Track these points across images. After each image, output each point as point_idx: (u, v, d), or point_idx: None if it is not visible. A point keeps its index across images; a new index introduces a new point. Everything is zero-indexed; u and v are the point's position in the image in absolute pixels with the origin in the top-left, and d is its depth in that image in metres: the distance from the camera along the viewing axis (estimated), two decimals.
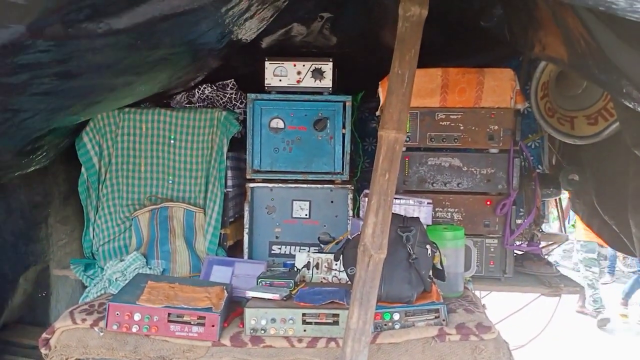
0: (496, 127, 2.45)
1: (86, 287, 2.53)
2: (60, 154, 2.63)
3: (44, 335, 1.98)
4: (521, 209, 2.88)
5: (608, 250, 8.63)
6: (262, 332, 1.91)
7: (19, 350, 2.94)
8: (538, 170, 3.08)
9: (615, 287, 8.78)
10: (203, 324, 1.89)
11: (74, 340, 1.95)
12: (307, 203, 2.62)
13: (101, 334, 1.93)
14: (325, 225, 2.61)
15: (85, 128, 2.53)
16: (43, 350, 1.98)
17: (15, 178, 2.51)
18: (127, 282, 2.17)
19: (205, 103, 2.79)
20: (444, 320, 1.91)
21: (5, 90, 1.58)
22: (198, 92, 2.77)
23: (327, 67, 2.55)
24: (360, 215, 2.44)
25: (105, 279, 2.38)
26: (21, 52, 1.41)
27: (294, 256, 2.42)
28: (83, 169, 2.56)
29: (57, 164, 2.76)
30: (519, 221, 2.60)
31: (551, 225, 5.04)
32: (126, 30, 1.51)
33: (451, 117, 2.46)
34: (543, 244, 3.03)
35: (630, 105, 1.56)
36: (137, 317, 1.89)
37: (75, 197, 2.85)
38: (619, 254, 8.44)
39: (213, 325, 1.88)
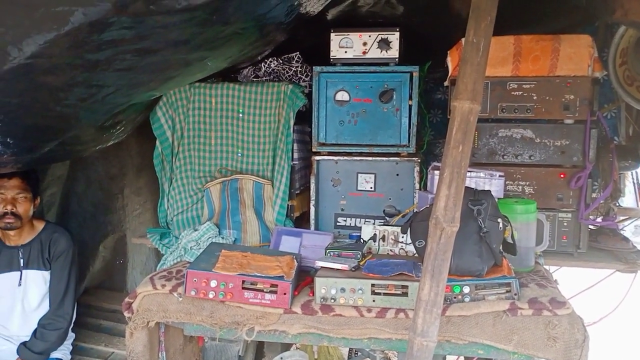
0: (572, 96, 2.34)
1: (160, 255, 2.66)
2: (134, 129, 2.74)
3: (127, 299, 2.10)
4: (595, 183, 2.77)
5: None
6: (332, 301, 1.95)
7: (100, 314, 3.16)
8: (615, 142, 2.94)
9: None
10: (275, 292, 1.95)
11: (155, 305, 2.06)
12: (372, 176, 2.62)
13: (180, 299, 2.03)
14: (390, 198, 2.61)
15: (158, 103, 2.62)
16: (126, 314, 2.10)
17: (94, 152, 2.64)
18: (201, 250, 2.26)
19: (272, 77, 2.82)
20: (515, 294, 1.89)
21: (91, 66, 1.66)
22: (264, 66, 2.80)
23: (394, 37, 2.51)
24: (428, 188, 2.42)
25: (180, 247, 2.49)
26: (106, 28, 1.47)
27: (359, 228, 2.44)
28: (157, 142, 2.66)
29: (131, 138, 2.88)
30: (594, 195, 2.51)
31: (624, 200, 4.82)
32: (203, 5, 1.54)
33: (524, 86, 2.38)
34: (619, 218, 2.91)
35: None
36: (213, 284, 1.97)
37: (148, 169, 2.98)
38: None
39: (285, 293, 1.94)
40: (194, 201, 2.66)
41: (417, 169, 2.54)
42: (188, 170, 2.66)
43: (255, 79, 2.80)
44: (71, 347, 2.73)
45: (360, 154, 2.60)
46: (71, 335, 2.72)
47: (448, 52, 2.46)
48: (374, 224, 2.50)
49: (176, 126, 2.65)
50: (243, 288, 1.96)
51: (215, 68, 2.39)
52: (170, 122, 2.64)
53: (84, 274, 3.17)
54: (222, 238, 2.52)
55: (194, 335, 2.28)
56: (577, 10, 2.61)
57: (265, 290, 1.96)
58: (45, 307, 2.59)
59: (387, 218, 2.59)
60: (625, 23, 2.34)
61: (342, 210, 2.65)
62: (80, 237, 3.11)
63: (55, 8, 1.36)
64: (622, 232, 2.86)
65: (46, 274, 2.58)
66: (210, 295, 1.97)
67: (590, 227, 2.61)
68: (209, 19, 1.66)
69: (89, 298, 3.24)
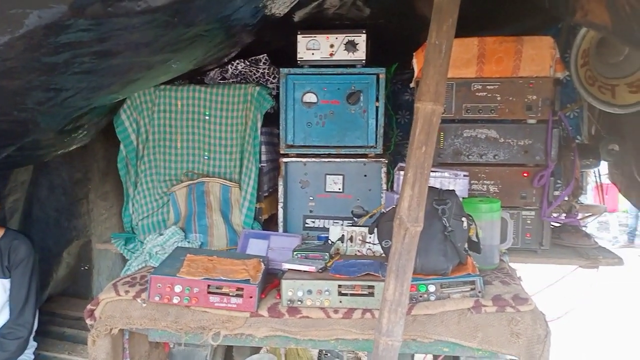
0: (534, 97, 2.39)
1: (126, 260, 2.61)
2: (99, 133, 2.69)
3: (89, 306, 2.06)
4: (559, 181, 2.83)
5: None
6: (299, 303, 1.95)
7: (64, 322, 3.09)
8: (577, 141, 3.01)
9: None
10: (241, 295, 1.93)
11: (118, 311, 2.03)
12: (341, 177, 2.62)
13: (144, 305, 2.00)
14: (358, 199, 2.62)
15: (122, 106, 2.58)
16: (88, 321, 2.06)
17: (57, 156, 2.58)
18: (167, 255, 2.23)
19: (239, 79, 2.80)
20: (479, 292, 1.91)
21: (49, 69, 1.62)
22: (231, 68, 2.78)
23: (361, 39, 2.52)
24: (395, 188, 2.44)
25: (145, 252, 2.46)
26: (63, 31, 1.44)
27: (327, 230, 2.45)
28: (122, 146, 2.62)
29: (96, 142, 2.83)
30: (556, 193, 2.56)
31: (587, 197, 4.94)
32: (163, 7, 1.52)
33: (488, 87, 2.42)
34: (581, 215, 2.97)
35: None
36: (177, 288, 1.95)
37: (114, 173, 2.93)
38: None
39: (251, 297, 1.93)
40: (159, 205, 2.63)
41: (384, 169, 2.56)
42: (153, 174, 2.62)
43: (222, 81, 2.78)
44: (33, 357, 2.66)
45: (329, 155, 2.60)
46: (33, 344, 2.65)
47: (414, 53, 2.48)
48: (342, 225, 2.50)
49: (141, 129, 2.61)
50: (208, 292, 1.94)
51: (180, 70, 2.36)
52: (134, 126, 2.60)
53: (47, 281, 3.09)
54: (188, 242, 2.49)
55: (160, 341, 2.24)
56: (540, 12, 2.66)
57: (231, 294, 1.94)
58: (5, 316, 2.52)
59: (355, 219, 2.60)
60: (585, 24, 2.39)
61: (311, 211, 2.65)
62: (44, 243, 3.03)
63: (9, 10, 1.33)
64: (584, 228, 2.92)
65: (6, 282, 2.51)
66: (175, 301, 1.94)
67: (553, 224, 2.67)
68: (170, 21, 1.64)
69: (53, 305, 3.16)
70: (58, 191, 3.14)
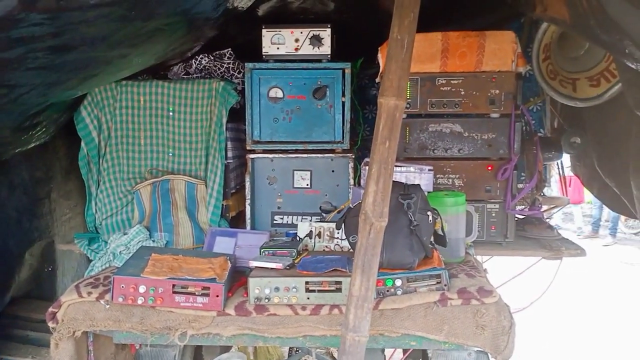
0: (497, 91, 2.42)
1: (91, 260, 2.55)
2: (60, 129, 2.61)
3: (51, 309, 2.01)
4: (522, 174, 2.88)
5: (610, 213, 8.73)
6: (266, 300, 1.93)
7: (27, 324, 2.99)
8: (540, 134, 3.06)
9: (617, 249, 8.87)
10: (208, 294, 1.91)
11: (81, 313, 1.98)
12: (308, 173, 2.61)
13: (107, 306, 1.96)
14: (326, 195, 2.61)
15: (83, 102, 2.51)
16: (50, 324, 2.01)
17: (16, 154, 2.50)
18: (131, 255, 2.18)
19: (203, 74, 2.76)
20: (445, 285, 1.93)
21: (1, 65, 1.56)
22: (195, 63, 2.74)
23: (325, 34, 2.51)
24: (362, 183, 2.44)
25: (109, 252, 2.40)
26: (14, 26, 1.38)
27: (296, 226, 2.44)
28: (83, 144, 2.56)
29: (58, 139, 2.75)
30: (520, 185, 2.60)
31: (552, 189, 5.05)
32: (119, 1, 1.48)
33: (452, 82, 2.44)
34: (544, 207, 3.03)
35: (633, 66, 1.54)
36: (142, 289, 1.91)
37: (77, 172, 2.85)
38: (621, 216, 8.50)
39: (217, 296, 1.90)
40: (123, 204, 2.57)
41: (351, 164, 2.56)
42: (116, 172, 2.57)
43: (185, 76, 2.74)
44: None
45: (296, 151, 2.59)
46: None
47: (379, 48, 2.48)
48: (310, 221, 2.49)
49: (102, 126, 2.55)
50: (174, 292, 1.91)
51: (142, 65, 2.31)
52: (96, 122, 2.53)
53: (9, 284, 2.99)
54: (153, 241, 2.45)
55: (126, 343, 2.20)
56: (503, 7, 2.69)
57: (197, 293, 1.91)
58: None
59: (324, 214, 2.59)
60: (545, 19, 2.44)
61: (279, 208, 2.63)
62: (5, 244, 2.93)
63: None
64: (549, 220, 2.99)
65: None
66: (139, 301, 1.91)
67: (517, 216, 2.71)
68: (127, 14, 1.60)
69: (15, 308, 3.06)
70: (18, 191, 3.04)
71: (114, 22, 1.61)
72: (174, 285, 1.91)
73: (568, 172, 3.71)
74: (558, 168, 3.43)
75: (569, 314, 5.86)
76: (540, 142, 2.70)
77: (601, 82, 2.49)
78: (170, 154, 2.54)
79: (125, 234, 2.45)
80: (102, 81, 2.37)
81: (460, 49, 2.41)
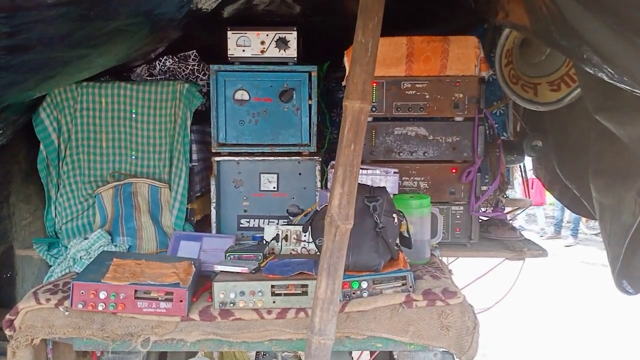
0: (461, 95, 2.46)
1: (51, 266, 2.48)
2: (20, 131, 2.53)
3: (8, 316, 1.94)
4: (486, 176, 2.93)
5: (572, 214, 8.97)
6: (231, 305, 1.91)
7: None
8: (503, 138, 3.13)
9: (578, 249, 9.12)
10: (171, 300, 1.87)
11: (39, 321, 1.92)
12: (275, 176, 2.60)
13: (66, 313, 1.91)
14: (293, 198, 2.60)
15: (42, 104, 2.44)
16: (7, 332, 1.94)
17: None
18: (91, 260, 2.13)
19: (167, 75, 2.72)
20: (410, 287, 1.94)
21: None
22: (159, 64, 2.70)
23: (292, 37, 2.50)
24: (329, 186, 2.44)
25: (69, 257, 2.34)
26: None
27: (262, 229, 2.42)
28: (42, 146, 2.48)
29: (17, 141, 2.66)
30: (484, 188, 2.65)
31: (515, 191, 5.17)
32: (77, 0, 1.44)
33: (417, 86, 2.46)
34: (508, 209, 3.09)
35: (591, 71, 1.58)
36: (102, 295, 1.86)
37: (38, 175, 2.77)
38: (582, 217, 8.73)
39: (181, 301, 1.87)
40: (84, 208, 2.51)
41: (318, 167, 2.56)
42: (77, 175, 2.50)
43: (149, 78, 2.69)
44: None
45: (262, 153, 2.58)
46: None
47: (345, 52, 2.49)
48: (277, 224, 2.48)
49: (62, 128, 2.48)
50: (136, 298, 1.87)
51: (103, 66, 2.26)
52: (55, 124, 2.46)
53: None
54: (115, 246, 2.40)
55: (87, 350, 2.15)
56: (467, 13, 2.74)
57: (160, 298, 1.88)
58: None
59: (291, 217, 2.58)
60: (507, 25, 2.48)
61: (245, 211, 2.61)
62: None
63: None
64: (511, 222, 3.05)
65: None
66: (100, 308, 1.86)
67: (481, 218, 2.76)
68: (85, 14, 1.56)
69: None
70: None
71: (73, 21, 1.58)
72: (136, 291, 1.87)
73: (530, 175, 3.79)
74: (521, 171, 3.50)
75: (532, 313, 5.99)
76: (503, 145, 2.76)
77: (561, 87, 2.55)
78: (134, 157, 2.49)
79: (86, 238, 2.39)
80: (62, 82, 2.31)
81: (425, 53, 2.44)
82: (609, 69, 1.47)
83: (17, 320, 1.94)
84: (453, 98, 2.46)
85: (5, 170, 3.02)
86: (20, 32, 1.51)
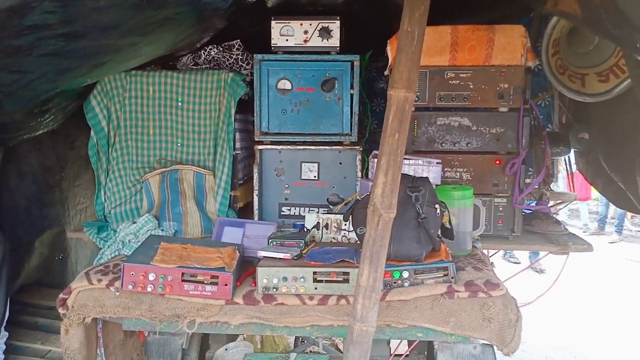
0: (506, 85, 2.42)
1: (101, 249, 2.58)
2: (72, 117, 2.63)
3: (61, 295, 2.03)
4: (530, 168, 2.87)
5: (616, 210, 8.70)
6: (274, 290, 1.95)
7: (37, 311, 3.02)
8: (548, 129, 3.06)
9: (623, 246, 8.85)
10: (216, 283, 1.92)
11: (91, 300, 2.00)
12: (316, 165, 2.62)
13: (117, 293, 1.98)
14: (334, 187, 2.62)
15: (92, 91, 2.53)
16: (61, 310, 2.03)
17: (25, 142, 2.52)
18: (140, 243, 2.20)
19: (212, 65, 2.77)
20: (452, 277, 1.94)
21: (13, 51, 1.58)
22: (204, 54, 2.75)
23: (335, 26, 2.51)
24: (369, 176, 2.45)
25: (118, 240, 2.42)
26: (27, 13, 1.40)
27: (303, 217, 2.45)
28: (92, 133, 2.57)
29: (70, 127, 2.76)
30: (527, 180, 2.60)
31: (559, 185, 5.04)
32: None
33: (461, 75, 2.43)
34: (551, 203, 3.03)
35: None
36: (151, 277, 1.92)
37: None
38: (627, 213, 8.48)
39: (226, 284, 1.92)
40: (132, 193, 2.59)
41: (359, 157, 2.56)
42: (125, 162, 2.58)
43: (194, 67, 2.75)
44: (4, 347, 2.61)
45: (304, 142, 2.60)
46: (4, 334, 2.59)
47: (388, 41, 2.48)
48: (317, 212, 2.50)
49: (112, 115, 2.56)
50: (183, 280, 1.93)
51: (151, 55, 2.32)
52: (105, 112, 2.55)
53: (19, 271, 3.02)
54: (162, 230, 2.47)
55: (134, 330, 2.22)
56: (513, 1, 2.69)
57: (205, 282, 1.93)
58: None
59: (331, 206, 2.60)
60: (555, 13, 2.43)
61: (286, 199, 2.65)
62: (14, 233, 2.95)
63: None
64: (555, 216, 2.98)
65: None
66: (149, 289, 1.93)
67: (525, 211, 2.72)
68: (138, 3, 1.61)
69: (25, 295, 3.09)
70: (28, 179, 3.06)
71: (126, 10, 1.63)
72: (183, 274, 1.93)
73: (574, 168, 3.70)
74: (565, 164, 3.42)
75: (575, 309, 5.85)
76: (548, 137, 2.70)
77: (610, 78, 2.48)
78: (179, 144, 2.56)
79: (134, 222, 2.47)
80: (111, 70, 2.39)
81: (470, 42, 2.40)
82: None
83: (70, 299, 2.02)
84: (498, 88, 2.42)
85: (57, 155, 3.13)
86: (77, 20, 1.57)
